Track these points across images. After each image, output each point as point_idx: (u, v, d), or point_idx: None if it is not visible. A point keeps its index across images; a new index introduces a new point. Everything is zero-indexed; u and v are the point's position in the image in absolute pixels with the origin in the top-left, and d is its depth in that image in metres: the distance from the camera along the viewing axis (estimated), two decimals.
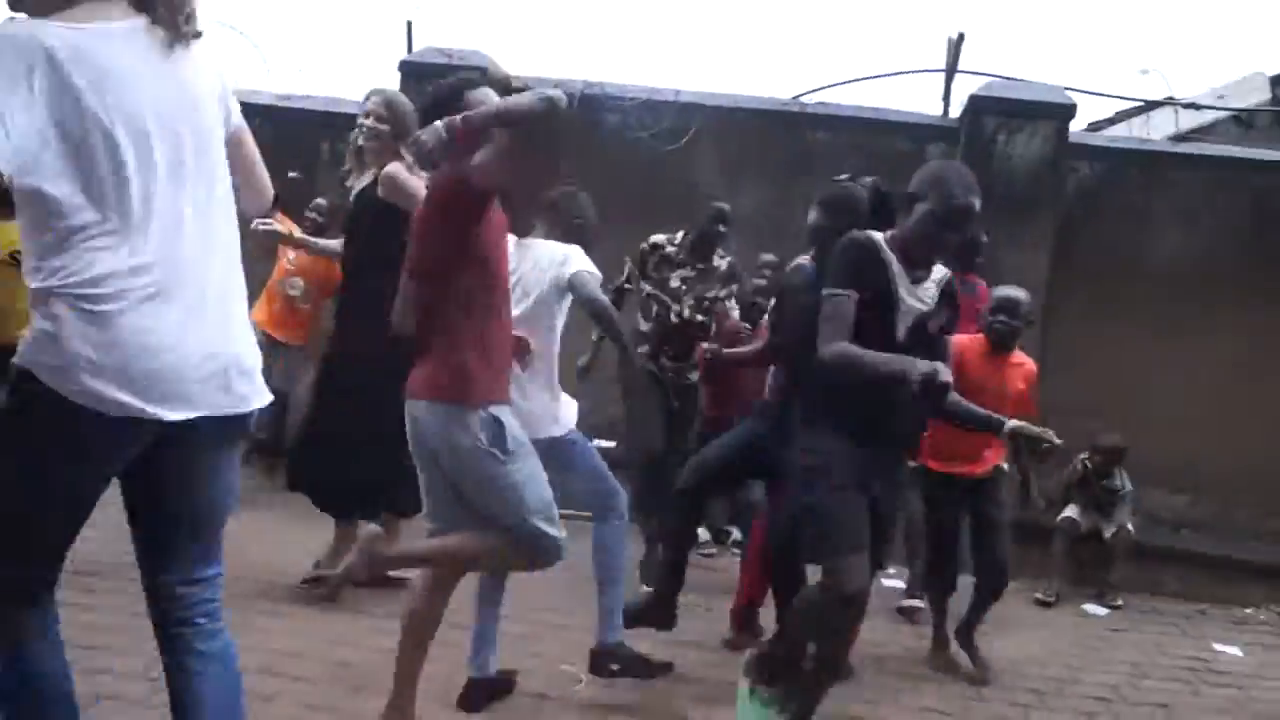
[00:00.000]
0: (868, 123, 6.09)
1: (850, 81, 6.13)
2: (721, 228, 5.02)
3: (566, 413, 3.22)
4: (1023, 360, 4.13)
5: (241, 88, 6.73)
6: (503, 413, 2.53)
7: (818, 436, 2.77)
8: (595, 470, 3.23)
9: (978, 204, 2.69)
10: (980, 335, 4.03)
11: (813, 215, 3.51)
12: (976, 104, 5.81)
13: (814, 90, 6.21)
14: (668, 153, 6.07)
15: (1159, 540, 5.75)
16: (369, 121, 3.98)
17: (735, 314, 4.84)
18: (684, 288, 4.87)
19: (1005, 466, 4.04)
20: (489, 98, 2.56)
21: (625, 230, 5.03)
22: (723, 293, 4.88)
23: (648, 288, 4.91)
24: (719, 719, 3.21)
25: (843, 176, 3.56)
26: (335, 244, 4.49)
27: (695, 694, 3.42)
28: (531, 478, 2.57)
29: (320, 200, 5.95)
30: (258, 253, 4.91)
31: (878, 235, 2.78)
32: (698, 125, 6.10)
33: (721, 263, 4.99)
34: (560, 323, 3.24)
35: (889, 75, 6.16)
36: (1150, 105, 6.56)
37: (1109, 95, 6.17)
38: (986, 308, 4.06)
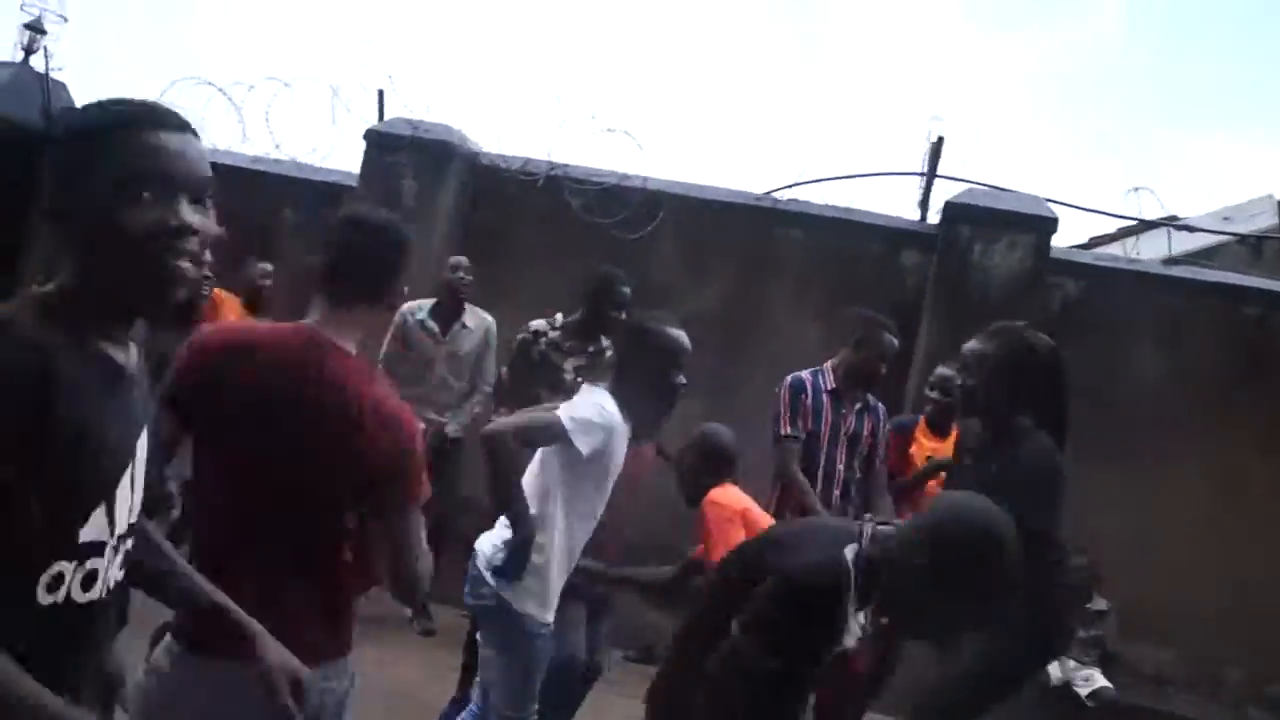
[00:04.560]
0: (841, 223, 5.81)
1: (826, 180, 5.87)
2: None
3: None
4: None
5: (218, 149, 6.68)
6: None
7: None
8: None
9: None
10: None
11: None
12: (952, 211, 5.52)
13: (788, 186, 5.94)
14: (630, 242, 5.79)
15: (1140, 700, 5.23)
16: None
17: None
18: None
19: None
20: None
21: None
22: None
23: None
24: None
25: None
26: None
27: None
28: None
29: (266, 264, 5.70)
30: None
31: None
32: (663, 215, 5.84)
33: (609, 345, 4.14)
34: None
35: (866, 175, 5.88)
36: (1147, 225, 6.22)
37: (1096, 211, 5.83)
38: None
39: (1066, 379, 2.94)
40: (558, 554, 2.74)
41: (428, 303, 5.20)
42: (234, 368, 1.88)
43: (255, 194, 6.55)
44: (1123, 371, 5.50)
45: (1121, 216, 5.77)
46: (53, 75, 7.02)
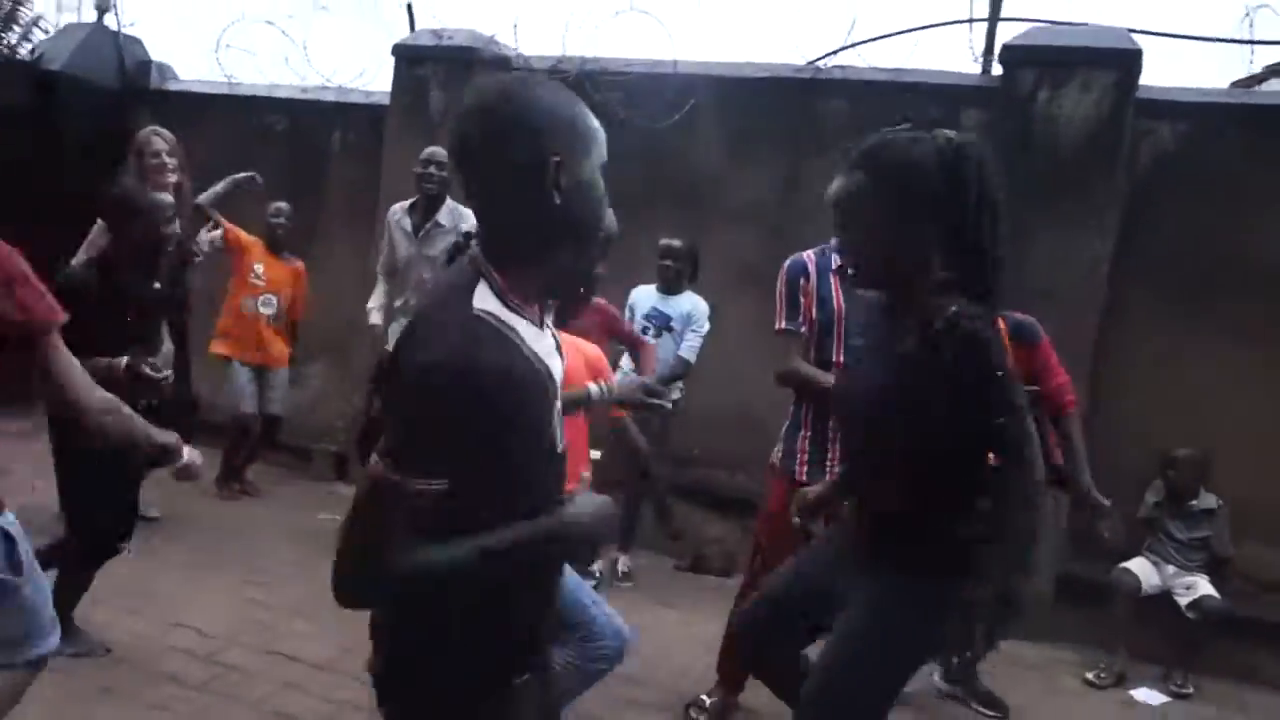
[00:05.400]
0: (891, 86, 5.12)
1: (874, 39, 5.18)
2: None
3: None
4: None
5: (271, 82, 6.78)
6: None
7: None
8: None
9: None
10: None
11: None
12: (1012, 55, 4.74)
13: (831, 53, 5.30)
14: (666, 131, 5.36)
15: (1256, 610, 4.42)
16: None
17: None
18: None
19: None
20: None
21: (623, 219, 4.35)
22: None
23: None
24: None
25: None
26: None
27: None
28: None
29: (281, 204, 5.59)
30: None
31: None
32: (696, 99, 5.36)
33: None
34: None
35: (919, 29, 5.14)
36: None
37: (1193, 37, 4.76)
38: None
39: (987, 184, 2.02)
40: None
41: (409, 201, 4.97)
42: None
43: (309, 123, 6.57)
44: (1236, 236, 4.60)
45: (1228, 40, 4.75)
46: (126, 32, 7.24)
